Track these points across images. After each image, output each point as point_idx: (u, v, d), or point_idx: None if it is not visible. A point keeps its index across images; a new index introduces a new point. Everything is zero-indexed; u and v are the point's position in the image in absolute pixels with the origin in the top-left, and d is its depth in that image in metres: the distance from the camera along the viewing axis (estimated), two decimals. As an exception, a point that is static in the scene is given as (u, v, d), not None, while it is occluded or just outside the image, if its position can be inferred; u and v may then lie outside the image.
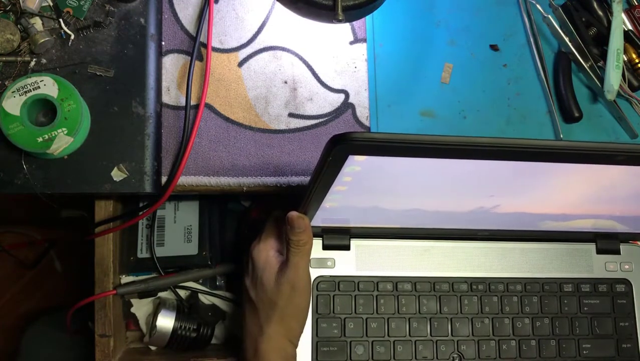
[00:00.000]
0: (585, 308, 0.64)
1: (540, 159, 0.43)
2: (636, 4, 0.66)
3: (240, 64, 0.61)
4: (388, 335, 0.60)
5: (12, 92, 0.51)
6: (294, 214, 0.53)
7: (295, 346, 0.57)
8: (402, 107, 0.62)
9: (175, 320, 0.63)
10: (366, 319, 0.60)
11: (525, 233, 0.62)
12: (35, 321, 0.91)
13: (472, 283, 0.63)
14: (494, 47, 0.64)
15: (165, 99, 0.59)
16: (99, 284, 0.60)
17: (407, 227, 0.60)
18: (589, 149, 0.42)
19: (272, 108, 0.61)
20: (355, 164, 0.43)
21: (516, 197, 0.53)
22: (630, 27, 0.65)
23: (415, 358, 0.60)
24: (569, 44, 0.64)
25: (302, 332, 0.57)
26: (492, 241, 0.64)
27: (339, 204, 0.52)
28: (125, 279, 0.64)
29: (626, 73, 0.63)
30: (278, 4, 0.60)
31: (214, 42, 0.61)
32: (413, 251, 0.63)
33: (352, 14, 0.57)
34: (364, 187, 0.48)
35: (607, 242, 0.65)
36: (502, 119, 0.63)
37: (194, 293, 0.67)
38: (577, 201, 0.54)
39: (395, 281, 0.61)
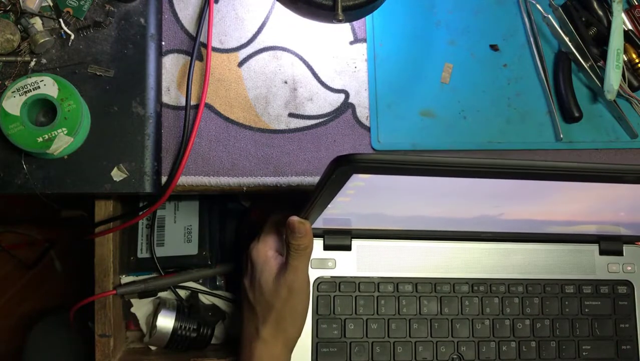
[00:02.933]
0: (586, 310, 0.64)
1: (544, 179, 0.43)
2: (636, 4, 0.65)
3: (240, 64, 0.61)
4: (388, 336, 0.60)
5: (12, 92, 0.52)
6: (295, 219, 0.52)
7: (291, 350, 0.56)
8: (402, 107, 0.62)
9: (175, 320, 0.63)
10: (366, 320, 0.60)
11: (528, 235, 0.62)
12: (37, 323, 0.91)
13: (474, 284, 0.62)
14: (494, 47, 0.64)
15: (165, 99, 0.59)
16: (99, 284, 0.60)
17: (409, 229, 0.60)
18: (595, 170, 0.42)
19: (272, 108, 0.61)
20: (359, 180, 0.43)
21: (521, 207, 0.53)
22: (630, 27, 0.65)
23: (415, 359, 0.60)
24: (569, 44, 0.64)
25: (299, 336, 0.56)
26: (494, 242, 0.64)
27: (341, 211, 0.52)
28: (125, 279, 0.64)
29: (626, 73, 0.63)
30: (278, 4, 0.60)
31: (214, 42, 0.61)
32: (414, 252, 0.62)
33: (352, 14, 0.57)
34: (367, 198, 0.48)
35: (610, 243, 0.65)
36: (502, 119, 0.63)
37: (194, 293, 0.67)
38: (582, 211, 0.54)
39: (396, 282, 0.61)
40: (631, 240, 0.66)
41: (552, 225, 0.59)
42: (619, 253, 0.65)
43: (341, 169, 0.40)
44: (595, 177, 0.43)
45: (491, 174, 0.41)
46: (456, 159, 0.40)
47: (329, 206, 0.49)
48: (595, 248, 0.65)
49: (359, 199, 0.48)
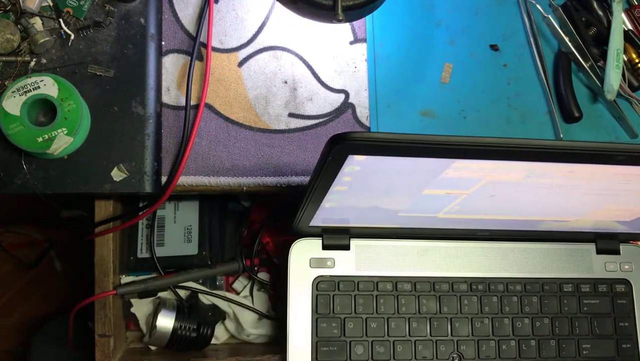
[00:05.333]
0: (585, 308, 0.64)
1: (540, 159, 0.43)
2: (636, 4, 0.66)
3: (240, 64, 0.61)
4: (388, 335, 0.60)
5: (12, 92, 0.52)
6: None
7: None
8: (402, 107, 0.62)
9: (175, 320, 0.63)
10: (366, 319, 0.60)
11: (525, 233, 0.62)
12: (39, 328, 0.91)
13: (472, 283, 0.63)
14: (494, 47, 0.64)
15: (165, 99, 0.59)
16: (99, 284, 0.60)
17: (407, 227, 0.60)
18: (588, 148, 0.42)
19: (272, 108, 0.61)
20: (355, 164, 0.43)
21: (516, 198, 0.53)
22: (630, 27, 0.65)
23: (415, 358, 0.60)
24: (569, 44, 0.64)
25: None
26: (491, 241, 0.64)
27: (338, 204, 0.52)
28: (125, 279, 0.64)
29: (626, 73, 0.63)
30: (278, 4, 0.60)
31: (214, 42, 0.61)
32: (413, 251, 0.63)
33: (352, 14, 0.57)
34: (363, 187, 0.48)
35: (607, 242, 0.65)
36: (502, 119, 0.63)
37: (194, 293, 0.67)
38: (577, 202, 0.54)
39: (395, 281, 0.61)
40: (627, 238, 0.66)
41: (549, 222, 0.60)
42: (616, 252, 0.66)
43: (337, 148, 0.40)
44: (584, 157, 0.43)
45: (486, 153, 0.42)
46: (451, 137, 0.40)
47: (326, 197, 0.49)
48: (592, 247, 0.65)
49: (356, 188, 0.48)
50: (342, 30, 0.63)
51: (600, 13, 0.65)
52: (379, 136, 0.40)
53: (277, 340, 0.67)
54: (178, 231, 0.65)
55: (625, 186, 0.50)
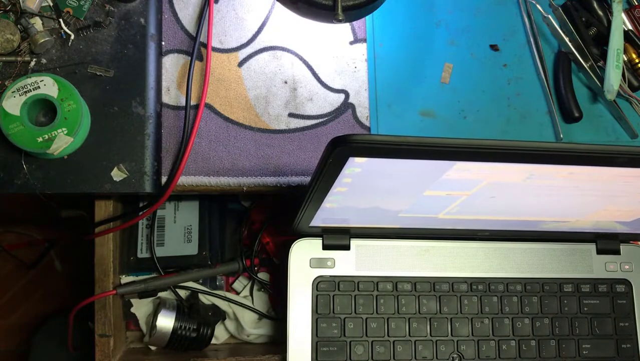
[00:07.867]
0: (585, 308, 0.64)
1: (541, 162, 0.43)
2: (636, 4, 0.66)
3: (240, 64, 0.61)
4: (388, 335, 0.60)
5: (12, 92, 0.51)
6: None
7: None
8: (402, 107, 0.62)
9: (175, 320, 0.63)
10: (366, 319, 0.61)
11: (525, 233, 0.62)
12: (38, 331, 0.91)
13: (472, 283, 0.63)
14: (494, 47, 0.64)
15: (165, 99, 0.59)
16: (99, 284, 0.60)
17: (407, 227, 0.60)
18: (589, 151, 0.42)
19: (272, 108, 0.61)
20: (356, 165, 0.43)
21: (517, 199, 0.53)
22: (630, 27, 0.65)
23: (415, 358, 0.60)
24: (569, 44, 0.64)
25: None
26: (492, 241, 0.64)
27: (339, 204, 0.52)
28: (125, 279, 0.65)
29: (626, 73, 0.63)
30: (278, 4, 0.61)
31: (214, 42, 0.61)
32: (413, 251, 0.63)
33: (352, 14, 0.57)
34: (364, 188, 0.48)
35: (607, 242, 0.65)
36: (502, 119, 0.63)
37: (194, 293, 0.67)
38: (577, 203, 0.54)
39: (395, 281, 0.62)
40: (627, 238, 0.66)
41: (549, 223, 0.60)
42: (616, 252, 0.66)
43: (338, 151, 0.40)
44: (585, 159, 0.43)
45: (487, 155, 0.42)
46: (452, 140, 0.40)
47: (327, 198, 0.49)
48: (592, 247, 0.65)
49: (356, 189, 0.48)
50: (342, 30, 0.63)
51: (600, 13, 0.65)
52: (380, 139, 0.40)
53: (277, 340, 0.67)
54: (178, 231, 0.65)
55: (626, 187, 0.50)
